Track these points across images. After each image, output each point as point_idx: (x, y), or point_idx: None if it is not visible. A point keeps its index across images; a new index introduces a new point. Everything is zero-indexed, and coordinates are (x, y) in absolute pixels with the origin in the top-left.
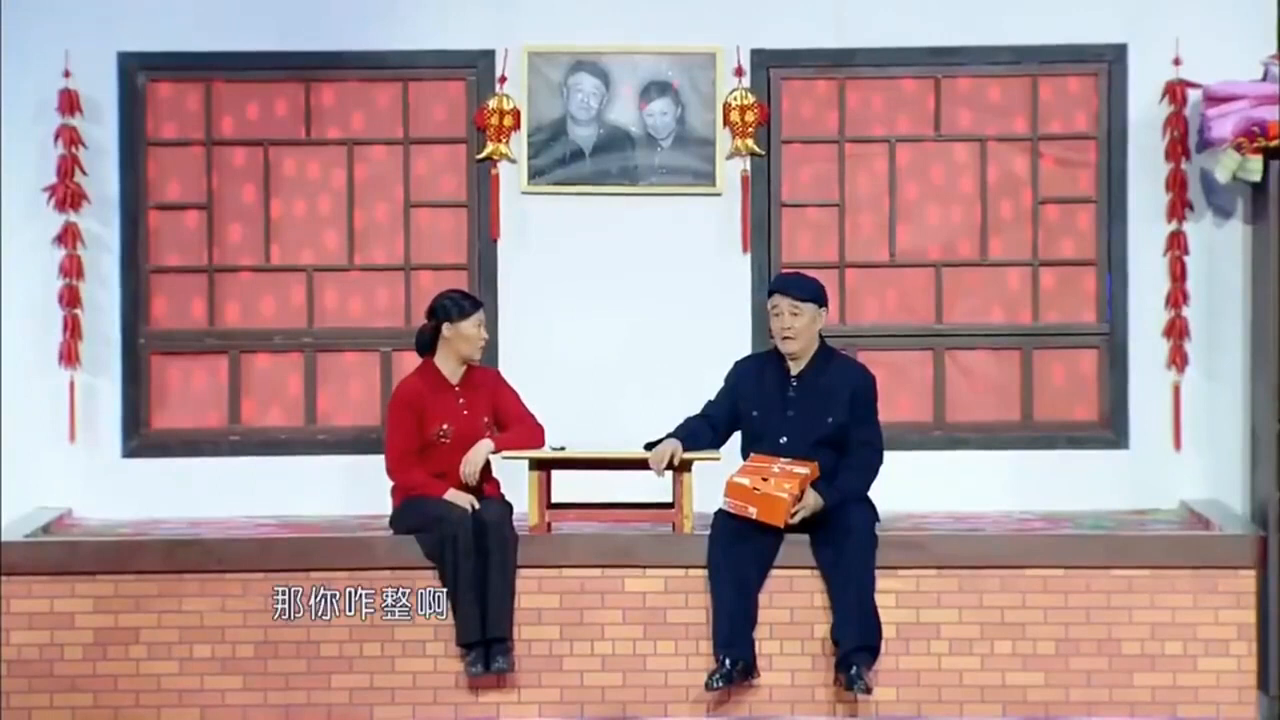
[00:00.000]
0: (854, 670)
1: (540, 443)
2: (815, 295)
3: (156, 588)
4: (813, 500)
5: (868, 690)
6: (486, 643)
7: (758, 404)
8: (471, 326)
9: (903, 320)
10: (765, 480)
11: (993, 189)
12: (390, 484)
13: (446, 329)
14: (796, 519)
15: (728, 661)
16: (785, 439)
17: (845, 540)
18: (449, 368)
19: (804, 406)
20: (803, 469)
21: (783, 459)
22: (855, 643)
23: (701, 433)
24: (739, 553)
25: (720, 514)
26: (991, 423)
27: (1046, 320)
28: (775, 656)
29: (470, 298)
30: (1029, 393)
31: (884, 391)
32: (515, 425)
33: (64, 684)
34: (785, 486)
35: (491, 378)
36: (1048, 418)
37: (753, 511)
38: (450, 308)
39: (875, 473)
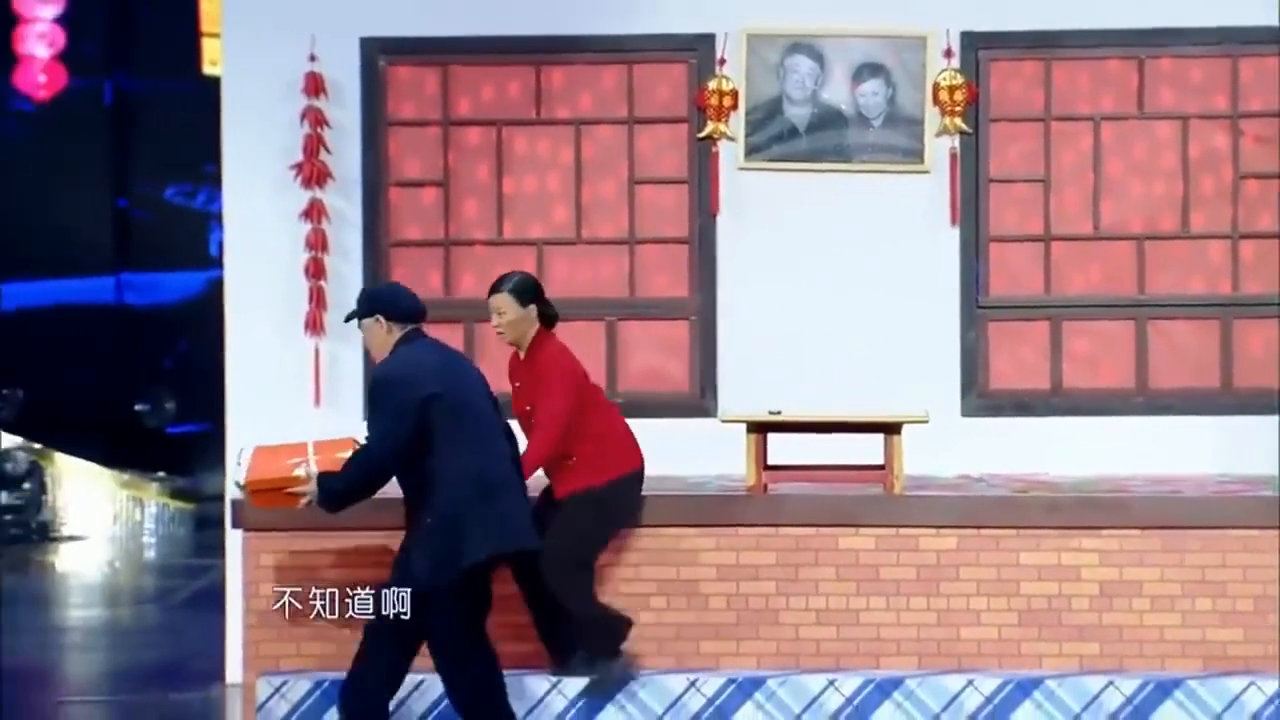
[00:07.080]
0: None
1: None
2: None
3: None
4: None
5: None
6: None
7: None
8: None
9: (1106, 291)
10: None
11: (1194, 165)
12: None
13: None
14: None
15: None
16: None
17: None
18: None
19: None
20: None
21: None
22: None
23: None
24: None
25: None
26: (1192, 389)
27: (1246, 291)
28: (983, 613)
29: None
30: (1229, 361)
31: (1088, 359)
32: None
33: None
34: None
35: (542, 367)
36: (1247, 385)
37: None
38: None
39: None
